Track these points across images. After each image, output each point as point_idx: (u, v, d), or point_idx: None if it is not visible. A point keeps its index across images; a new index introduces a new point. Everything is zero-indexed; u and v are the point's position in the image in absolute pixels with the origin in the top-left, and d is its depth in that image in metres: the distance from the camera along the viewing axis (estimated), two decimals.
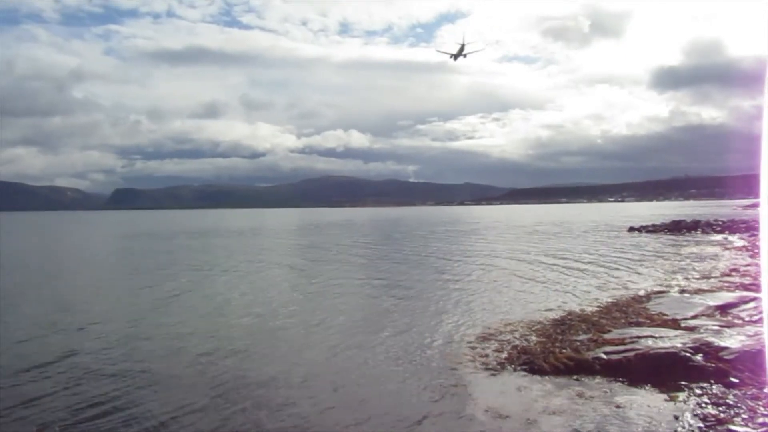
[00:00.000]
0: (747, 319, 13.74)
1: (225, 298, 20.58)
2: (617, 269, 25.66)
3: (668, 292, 18.47)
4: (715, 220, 56.51)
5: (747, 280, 20.00)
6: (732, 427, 7.97)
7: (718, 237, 42.92)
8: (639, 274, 23.90)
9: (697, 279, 21.55)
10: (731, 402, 8.96)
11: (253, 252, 42.00)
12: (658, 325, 13.30)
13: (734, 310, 14.75)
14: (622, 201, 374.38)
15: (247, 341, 14.00)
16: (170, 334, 14.90)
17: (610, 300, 17.61)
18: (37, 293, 22.92)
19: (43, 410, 9.42)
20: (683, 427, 8.18)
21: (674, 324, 13.38)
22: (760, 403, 8.85)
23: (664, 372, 10.23)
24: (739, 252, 31.28)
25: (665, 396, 9.38)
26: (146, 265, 32.94)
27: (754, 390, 9.38)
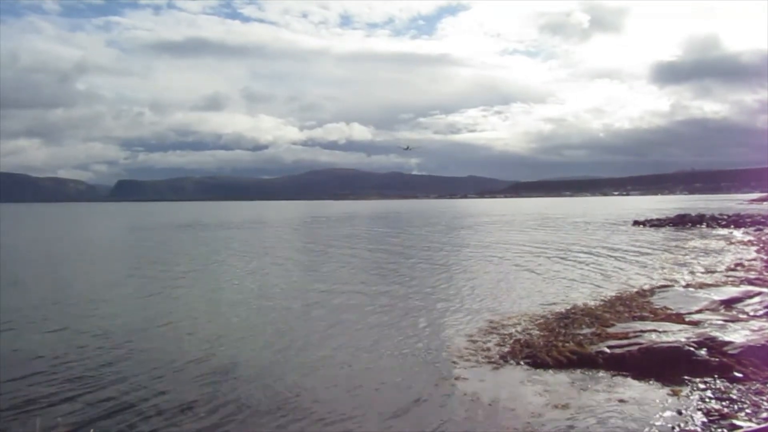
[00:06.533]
0: (751, 313, 13.69)
1: (231, 292, 20.60)
2: (621, 263, 25.57)
3: (672, 286, 18.39)
4: (720, 215, 56.25)
5: (752, 275, 19.92)
6: (736, 422, 7.94)
7: (724, 231, 42.75)
8: (643, 268, 23.81)
9: (702, 273, 21.47)
10: (735, 397, 8.93)
11: (260, 245, 42.04)
12: (662, 320, 13.24)
13: (739, 305, 14.68)
14: (627, 194, 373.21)
15: (249, 334, 14.04)
16: (174, 327, 14.95)
17: (613, 294, 17.54)
18: (41, 286, 23.02)
19: (46, 403, 9.46)
20: (686, 422, 8.15)
21: (678, 318, 13.32)
22: (764, 397, 8.82)
23: (668, 366, 10.20)
24: (745, 246, 31.15)
25: (669, 390, 9.35)
26: (152, 258, 33.02)
27: (758, 385, 9.35)
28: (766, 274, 20.10)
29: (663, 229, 47.42)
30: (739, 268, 22.25)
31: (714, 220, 51.08)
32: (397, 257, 30.57)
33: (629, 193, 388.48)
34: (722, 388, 9.34)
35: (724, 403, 8.69)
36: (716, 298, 15.42)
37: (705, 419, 8.19)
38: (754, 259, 24.82)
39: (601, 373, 10.33)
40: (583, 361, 10.81)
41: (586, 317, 14.11)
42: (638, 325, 12.68)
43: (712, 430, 7.89)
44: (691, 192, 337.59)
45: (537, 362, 10.94)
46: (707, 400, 8.89)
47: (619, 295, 17.30)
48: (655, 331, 11.91)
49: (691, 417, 8.29)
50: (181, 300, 18.75)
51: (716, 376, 9.79)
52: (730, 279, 19.36)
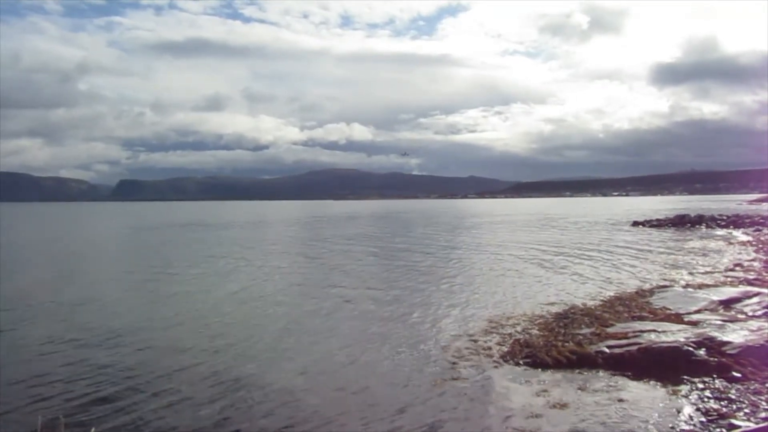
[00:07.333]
0: (750, 314, 13.72)
1: (235, 292, 20.55)
2: (621, 263, 25.59)
3: (672, 286, 18.43)
4: (720, 215, 56.25)
5: (751, 275, 19.96)
6: (734, 422, 7.98)
7: (723, 232, 42.76)
8: (642, 268, 23.83)
9: (701, 274, 21.50)
10: (733, 396, 8.97)
11: (263, 245, 42.07)
12: (661, 320, 13.28)
13: (738, 305, 14.72)
14: (627, 195, 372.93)
15: (253, 334, 14.06)
16: (179, 327, 14.99)
17: (613, 294, 17.58)
18: (44, 285, 23.03)
19: (48, 402, 9.51)
20: (685, 422, 8.18)
21: (677, 318, 13.36)
22: (762, 397, 8.85)
23: (667, 366, 10.24)
24: (744, 247, 31.18)
25: (668, 390, 9.39)
26: (156, 258, 33.03)
27: (756, 385, 9.39)
28: (764, 274, 20.13)
29: (662, 230, 47.42)
30: (738, 268, 22.29)
31: (713, 221, 51.06)
32: (400, 257, 30.58)
33: (629, 194, 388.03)
34: (721, 387, 9.38)
35: (722, 403, 8.72)
36: (715, 298, 15.45)
37: (704, 419, 8.23)
38: (753, 260, 24.86)
39: (601, 373, 10.37)
40: (583, 361, 10.84)
41: (586, 317, 14.15)
42: (637, 325, 12.72)
43: (711, 429, 7.93)
44: (691, 193, 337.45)
45: (537, 362, 10.98)
46: (706, 399, 8.93)
47: (618, 295, 17.34)
48: (654, 331, 11.95)
49: (690, 416, 8.33)
50: (186, 300, 18.73)
51: (715, 375, 9.83)
52: (729, 279, 19.40)
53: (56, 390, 10.00)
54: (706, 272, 21.78)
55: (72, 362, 11.60)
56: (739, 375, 9.74)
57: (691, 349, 10.64)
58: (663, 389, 9.45)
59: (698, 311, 14.10)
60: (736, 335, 11.27)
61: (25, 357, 12.08)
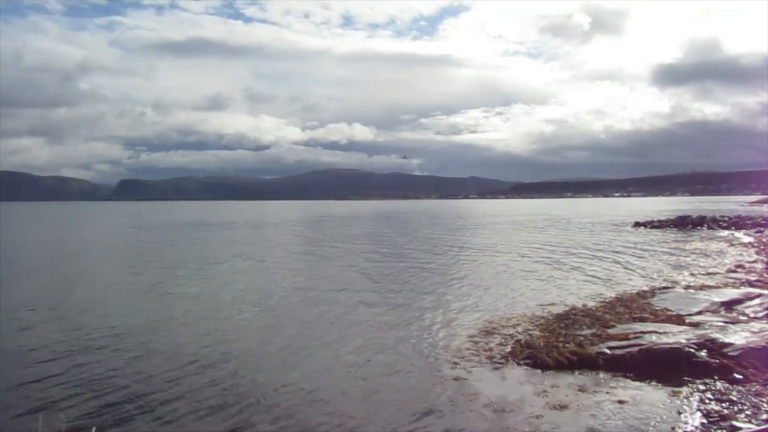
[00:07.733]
0: (752, 315, 13.71)
1: (241, 293, 20.55)
2: (622, 264, 25.58)
3: (673, 287, 18.42)
4: (722, 216, 56.17)
5: (752, 277, 19.94)
6: (735, 423, 7.98)
7: (724, 233, 42.69)
8: (644, 269, 23.82)
9: (703, 275, 21.47)
10: (735, 398, 8.97)
11: (267, 245, 42.12)
12: (663, 321, 13.29)
13: (739, 307, 14.71)
14: (628, 196, 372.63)
15: (259, 336, 14.11)
16: (183, 328, 15.01)
17: (614, 295, 17.57)
18: (47, 285, 23.09)
19: (49, 402, 9.51)
20: (686, 423, 8.19)
21: (678, 320, 13.37)
22: (764, 399, 8.85)
23: (668, 368, 10.24)
24: (745, 248, 31.13)
25: (668, 391, 9.39)
26: (159, 258, 33.03)
27: (758, 386, 9.39)
28: (766, 275, 20.11)
29: (664, 231, 47.37)
30: (739, 269, 22.25)
31: (715, 222, 51.00)
32: (407, 257, 30.56)
33: (630, 195, 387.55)
34: (722, 389, 9.38)
35: (723, 405, 8.73)
36: (716, 299, 15.45)
37: (705, 420, 8.23)
38: (755, 261, 24.83)
39: (601, 374, 10.37)
40: (584, 362, 10.84)
41: (587, 318, 14.15)
42: (639, 327, 12.72)
43: (712, 431, 7.94)
44: (692, 194, 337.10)
45: (537, 363, 10.98)
46: (707, 401, 8.93)
47: (619, 296, 17.33)
48: (655, 332, 11.96)
49: (691, 418, 8.33)
50: (194, 302, 18.64)
51: (716, 377, 9.83)
52: (731, 281, 19.38)
53: (57, 391, 9.98)
54: (708, 273, 21.76)
55: (76, 365, 11.55)
56: (740, 377, 9.74)
57: (692, 350, 10.64)
58: (664, 391, 9.45)
59: (699, 312, 14.10)
60: (737, 337, 11.27)
61: (28, 359, 12.03)
